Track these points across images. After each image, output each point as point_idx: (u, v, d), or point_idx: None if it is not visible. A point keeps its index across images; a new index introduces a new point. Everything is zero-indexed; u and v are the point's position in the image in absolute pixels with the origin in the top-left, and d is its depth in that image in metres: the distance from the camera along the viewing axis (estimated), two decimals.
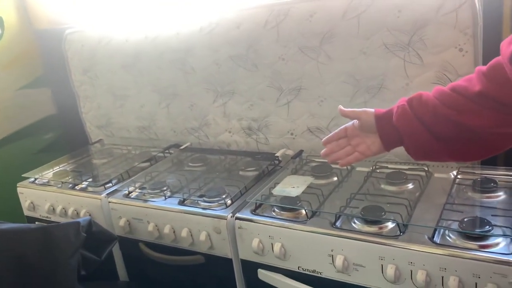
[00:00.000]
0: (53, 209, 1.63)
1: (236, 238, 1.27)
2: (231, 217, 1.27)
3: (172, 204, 1.40)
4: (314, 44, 1.46)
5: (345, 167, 1.45)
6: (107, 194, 1.53)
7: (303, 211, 1.22)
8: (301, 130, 1.60)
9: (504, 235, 0.99)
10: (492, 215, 1.07)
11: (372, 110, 0.98)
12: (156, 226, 1.40)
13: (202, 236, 1.31)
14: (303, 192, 1.29)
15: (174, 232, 1.37)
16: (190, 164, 1.72)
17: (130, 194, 1.51)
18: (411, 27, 1.31)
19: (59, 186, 1.66)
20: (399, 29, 1.33)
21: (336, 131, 1.04)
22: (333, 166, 1.45)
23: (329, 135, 1.04)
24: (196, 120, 1.84)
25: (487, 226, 1.01)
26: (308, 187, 1.32)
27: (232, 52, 1.62)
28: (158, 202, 1.43)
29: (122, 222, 1.45)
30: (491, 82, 0.81)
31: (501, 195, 1.18)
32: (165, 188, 1.49)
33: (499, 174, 1.27)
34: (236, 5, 1.59)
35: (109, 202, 1.49)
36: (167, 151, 1.86)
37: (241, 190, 1.41)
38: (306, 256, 1.16)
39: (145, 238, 1.44)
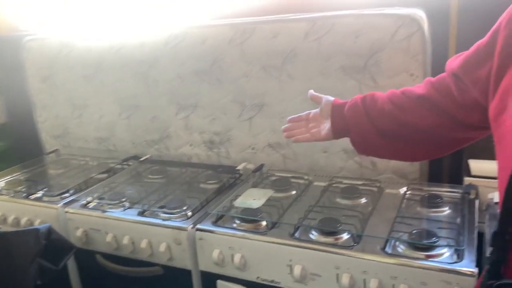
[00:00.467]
0: (5, 218, 1.57)
1: (196, 250, 1.28)
2: (192, 228, 1.28)
3: (131, 215, 1.40)
4: (277, 63, 1.52)
5: (303, 181, 1.52)
6: (64, 204, 1.50)
7: (264, 223, 1.25)
8: (262, 145, 1.64)
9: (449, 246, 1.07)
10: (438, 228, 1.15)
11: (333, 98, 1.06)
12: (115, 237, 1.39)
13: (162, 247, 1.31)
14: (263, 205, 1.33)
15: (133, 243, 1.36)
16: (150, 176, 1.72)
17: (88, 205, 1.49)
18: (367, 51, 1.40)
19: (11, 195, 1.60)
20: (356, 53, 1.42)
21: (302, 113, 1.11)
22: (292, 181, 1.51)
23: (294, 115, 1.12)
24: (157, 132, 1.85)
25: (434, 238, 1.09)
26: (268, 199, 1.36)
27: (196, 66, 1.65)
28: (117, 213, 1.42)
29: (79, 232, 1.43)
30: (435, 90, 0.91)
31: (446, 210, 1.27)
32: (124, 199, 1.49)
33: (444, 190, 1.37)
34: (202, 21, 1.64)
35: (66, 212, 1.46)
36: (125, 162, 1.85)
37: (202, 202, 1.43)
38: (266, 266, 1.19)
39: (103, 249, 1.42)
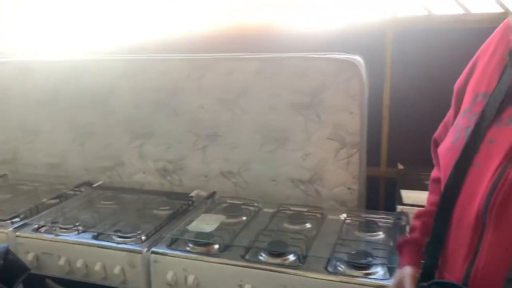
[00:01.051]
0: None
1: (151, 272, 1.33)
2: (147, 251, 1.33)
3: (86, 238, 1.42)
4: (231, 97, 1.64)
5: (253, 208, 1.62)
6: (15, 228, 1.49)
7: (216, 246, 1.33)
8: (214, 173, 1.73)
9: (382, 264, 1.21)
10: (373, 249, 1.29)
11: (409, 270, 0.88)
12: (68, 260, 1.40)
13: (116, 270, 1.35)
14: (216, 229, 1.41)
15: (86, 266, 1.38)
16: (103, 202, 1.74)
17: (41, 229, 1.49)
18: (312, 90, 1.56)
19: None
20: (302, 91, 1.57)
21: None
22: (243, 207, 1.61)
23: None
24: (110, 159, 1.89)
25: (370, 258, 1.22)
26: (220, 224, 1.44)
27: (154, 97, 1.73)
28: (71, 236, 1.44)
29: (30, 256, 1.43)
30: None
31: (381, 234, 1.42)
32: (78, 224, 1.51)
33: (380, 217, 1.52)
34: (162, 54, 1.74)
35: (17, 236, 1.46)
36: (77, 188, 1.86)
37: (156, 227, 1.48)
38: (218, 287, 1.26)
39: (54, 273, 1.43)
